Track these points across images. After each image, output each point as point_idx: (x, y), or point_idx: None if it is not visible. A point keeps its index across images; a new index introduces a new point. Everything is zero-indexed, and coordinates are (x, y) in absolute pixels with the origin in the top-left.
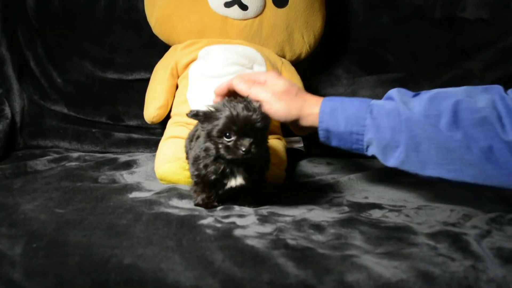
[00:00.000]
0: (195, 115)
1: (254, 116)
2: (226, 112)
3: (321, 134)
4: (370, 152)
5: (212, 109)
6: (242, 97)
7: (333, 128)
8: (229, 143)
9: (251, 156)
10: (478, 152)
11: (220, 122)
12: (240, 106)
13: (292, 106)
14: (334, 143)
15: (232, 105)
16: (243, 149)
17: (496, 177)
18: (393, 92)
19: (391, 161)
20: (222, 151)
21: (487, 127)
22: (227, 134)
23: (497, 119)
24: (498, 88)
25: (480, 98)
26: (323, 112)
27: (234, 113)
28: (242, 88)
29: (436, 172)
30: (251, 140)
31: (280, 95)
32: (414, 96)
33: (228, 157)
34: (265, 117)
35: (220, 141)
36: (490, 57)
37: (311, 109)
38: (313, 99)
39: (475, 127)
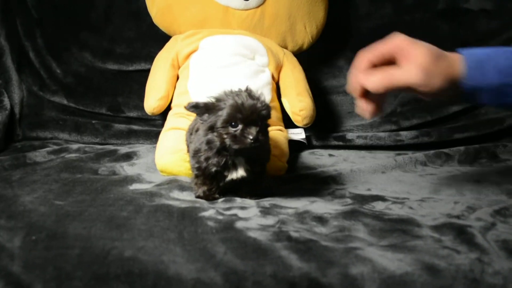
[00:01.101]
0: (194, 107)
1: (259, 104)
2: (230, 101)
3: (467, 92)
4: None
5: (214, 100)
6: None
7: (483, 84)
8: (235, 132)
9: (258, 144)
10: None
11: (225, 112)
12: (243, 95)
13: (445, 72)
14: (484, 100)
15: (235, 94)
16: (251, 138)
17: None
18: None
19: None
20: (228, 141)
21: None
22: (233, 123)
23: None
24: None
25: None
26: (470, 67)
27: (239, 101)
28: (378, 83)
29: None
30: (258, 128)
31: (430, 67)
32: None
33: (235, 146)
34: (268, 105)
35: (225, 131)
36: None
37: (454, 68)
38: (452, 57)
39: None
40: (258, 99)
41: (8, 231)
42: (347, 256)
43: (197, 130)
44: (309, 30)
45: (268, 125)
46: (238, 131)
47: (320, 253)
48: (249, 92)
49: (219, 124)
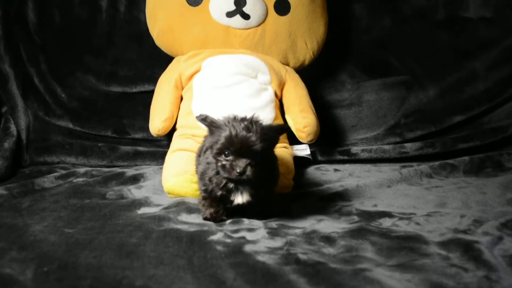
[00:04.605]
0: (203, 119)
1: (253, 138)
2: (226, 132)
3: None
4: None
5: (218, 124)
6: None
7: None
8: (225, 163)
9: (245, 178)
10: None
11: (220, 141)
12: (240, 126)
13: None
14: None
15: (233, 124)
16: (238, 170)
17: None
18: None
19: None
20: (219, 169)
21: None
22: (226, 153)
23: None
24: None
25: None
26: None
27: (233, 133)
28: None
29: None
30: (248, 161)
31: None
32: None
33: (224, 175)
34: (267, 139)
35: (219, 159)
36: (494, 57)
37: None
38: None
39: None
40: (256, 131)
41: (20, 263)
42: (356, 278)
43: (205, 151)
44: (310, 46)
45: (270, 156)
46: (228, 162)
47: (328, 276)
48: (248, 123)
49: (214, 151)
